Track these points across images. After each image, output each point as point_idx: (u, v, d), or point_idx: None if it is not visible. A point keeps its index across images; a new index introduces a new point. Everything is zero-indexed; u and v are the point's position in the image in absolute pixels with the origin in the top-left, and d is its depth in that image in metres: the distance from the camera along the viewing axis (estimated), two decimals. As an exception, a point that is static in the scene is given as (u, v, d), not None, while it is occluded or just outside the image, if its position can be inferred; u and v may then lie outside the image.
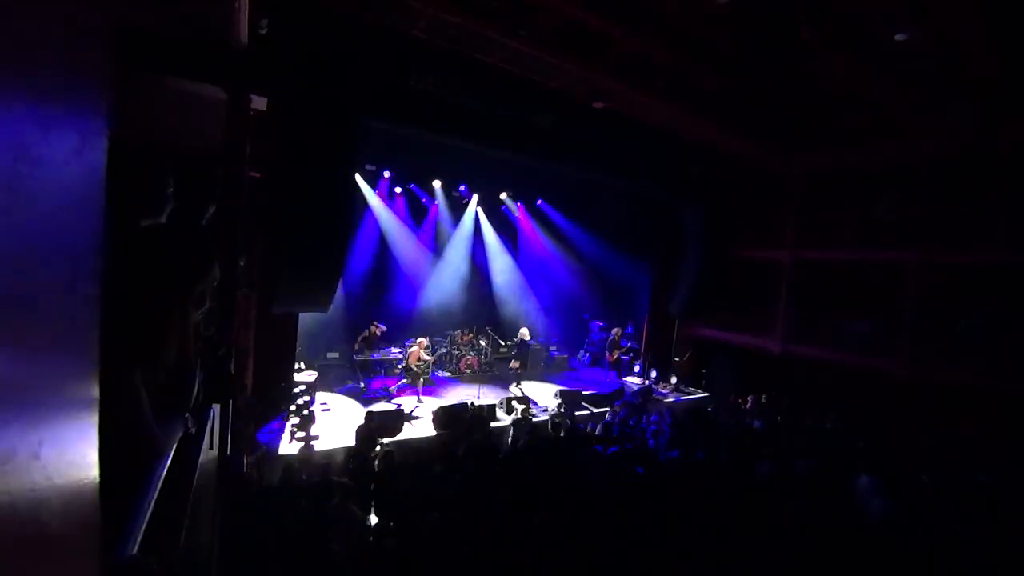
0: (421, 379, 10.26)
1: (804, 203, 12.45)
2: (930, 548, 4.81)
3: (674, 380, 13.07)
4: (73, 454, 0.49)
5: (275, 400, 8.21)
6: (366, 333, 11.42)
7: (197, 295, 2.03)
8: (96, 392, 0.51)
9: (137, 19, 3.45)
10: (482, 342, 13.48)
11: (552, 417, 9.03)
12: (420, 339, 10.68)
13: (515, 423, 8.53)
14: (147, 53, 3.84)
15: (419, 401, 10.15)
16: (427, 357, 10.52)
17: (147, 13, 3.74)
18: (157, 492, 1.59)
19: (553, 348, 15.12)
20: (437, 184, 13.39)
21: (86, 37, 0.45)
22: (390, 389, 10.57)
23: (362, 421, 7.88)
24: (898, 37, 6.58)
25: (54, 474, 0.44)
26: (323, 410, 9.11)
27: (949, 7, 5.95)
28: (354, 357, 11.38)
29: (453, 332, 13.55)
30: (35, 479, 0.41)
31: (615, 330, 14.17)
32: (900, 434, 9.26)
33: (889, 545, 4.82)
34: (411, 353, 10.29)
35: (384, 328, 11.63)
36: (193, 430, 2.12)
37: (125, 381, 1.49)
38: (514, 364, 11.73)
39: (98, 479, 0.54)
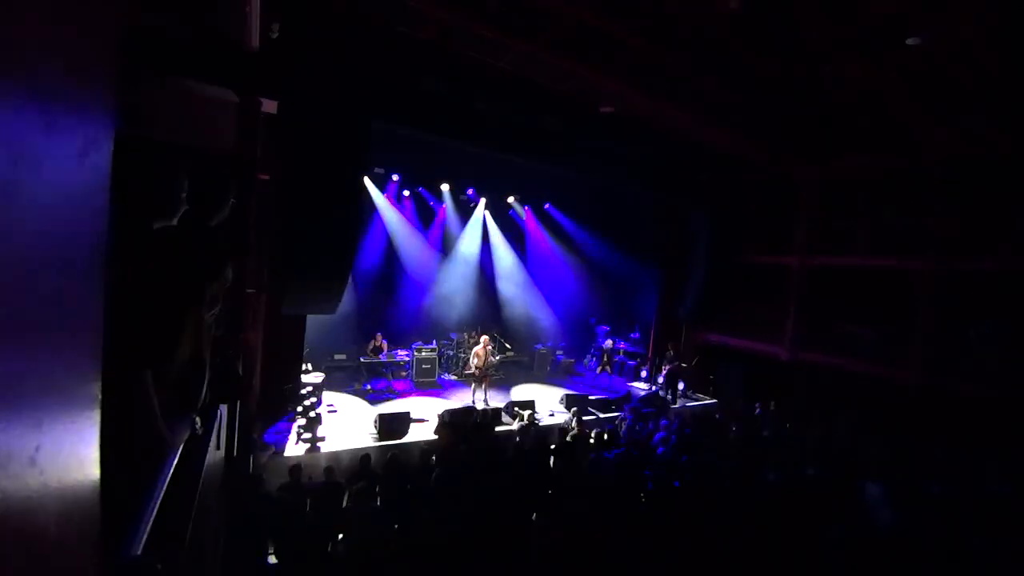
0: (485, 380, 10.63)
1: (815, 208, 12.33)
2: (939, 559, 4.73)
3: (681, 386, 12.98)
4: (73, 458, 0.49)
5: (282, 401, 8.24)
6: (373, 344, 11.64)
7: (209, 296, 2.04)
8: (98, 395, 0.51)
9: (149, 22, 3.49)
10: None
11: (565, 424, 9.01)
12: (484, 337, 11.12)
13: (523, 429, 8.51)
14: (159, 56, 3.89)
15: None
16: (492, 359, 10.90)
17: (159, 17, 3.79)
18: (163, 492, 1.60)
19: (559, 352, 15.09)
20: (445, 187, 13.46)
21: (90, 36, 0.45)
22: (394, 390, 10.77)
23: (372, 422, 8.01)
24: (910, 41, 6.52)
25: (52, 478, 0.44)
26: (330, 411, 9.14)
27: (963, 12, 5.90)
28: (361, 359, 11.48)
29: (460, 335, 13.58)
30: (31, 483, 0.41)
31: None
32: (910, 443, 9.12)
33: (898, 555, 4.74)
34: (475, 353, 10.70)
35: (386, 342, 11.95)
36: (200, 430, 2.12)
37: (135, 381, 1.50)
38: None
39: (99, 485, 0.54)
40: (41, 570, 0.44)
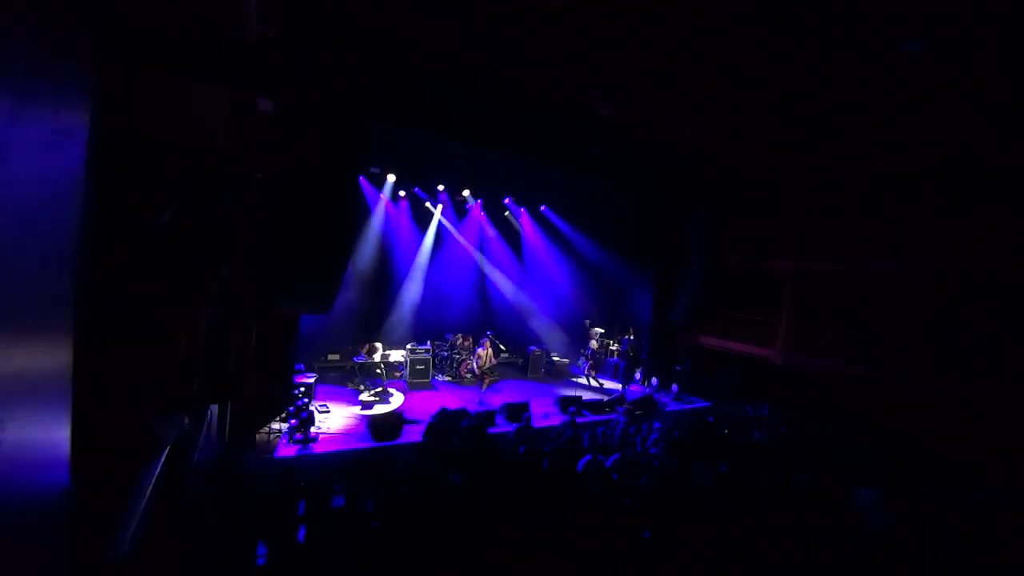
0: (487, 380, 10.87)
1: (809, 213, 12.41)
2: (930, 564, 4.76)
3: (675, 388, 13.01)
4: (43, 456, 0.47)
5: (275, 401, 8.18)
6: (368, 345, 11.64)
7: (204, 295, 2.02)
8: (71, 392, 0.49)
9: (142, 17, 3.47)
10: (483, 347, 13.46)
11: (559, 426, 9.00)
12: (485, 339, 11.30)
13: (517, 431, 8.49)
14: (154, 52, 3.85)
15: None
16: (494, 361, 11.18)
17: (154, 12, 3.77)
18: (151, 490, 1.58)
19: (554, 354, 15.09)
20: (441, 188, 13.44)
21: (66, 28, 0.43)
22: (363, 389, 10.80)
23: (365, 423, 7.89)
24: (904, 48, 6.57)
25: (16, 475, 0.42)
26: (322, 411, 9.09)
27: (961, 20, 5.95)
28: (354, 359, 11.43)
29: (454, 337, 13.55)
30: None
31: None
32: (903, 447, 9.18)
33: (888, 560, 4.77)
34: (478, 355, 10.85)
35: (380, 346, 11.91)
36: (190, 429, 2.11)
37: (128, 378, 1.48)
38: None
39: (73, 482, 0.52)
40: (7, 567, 0.42)
